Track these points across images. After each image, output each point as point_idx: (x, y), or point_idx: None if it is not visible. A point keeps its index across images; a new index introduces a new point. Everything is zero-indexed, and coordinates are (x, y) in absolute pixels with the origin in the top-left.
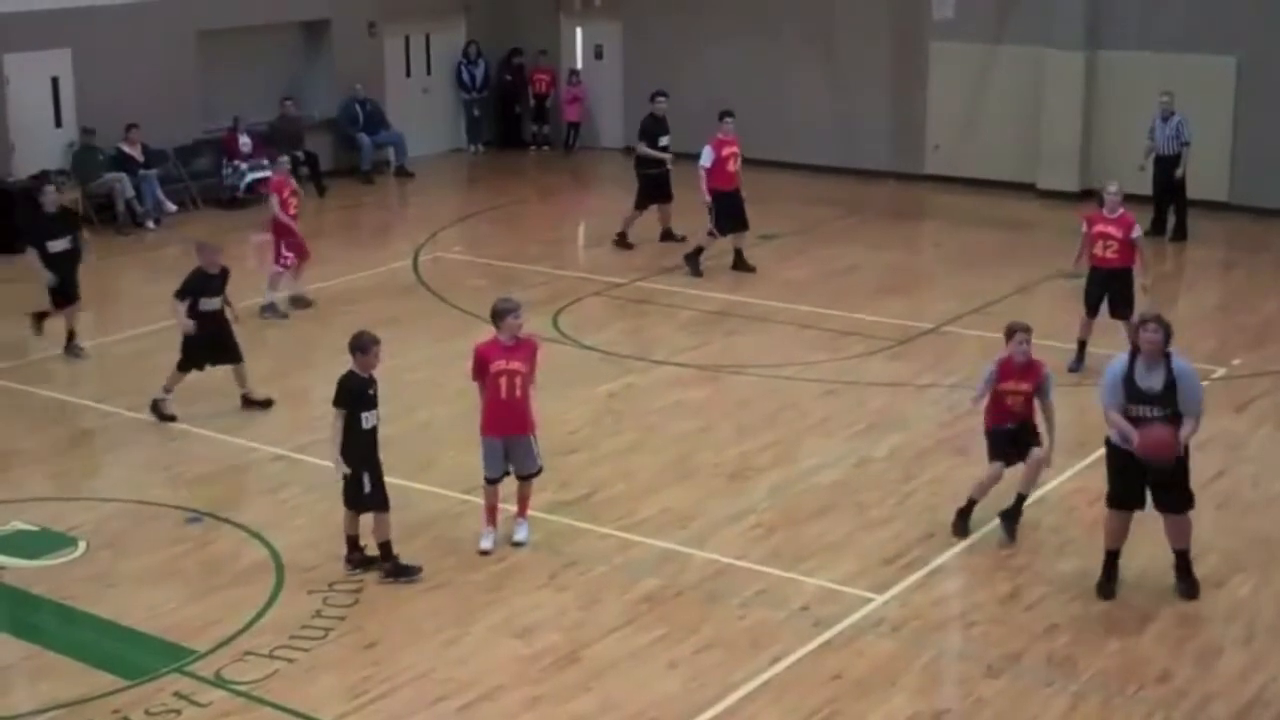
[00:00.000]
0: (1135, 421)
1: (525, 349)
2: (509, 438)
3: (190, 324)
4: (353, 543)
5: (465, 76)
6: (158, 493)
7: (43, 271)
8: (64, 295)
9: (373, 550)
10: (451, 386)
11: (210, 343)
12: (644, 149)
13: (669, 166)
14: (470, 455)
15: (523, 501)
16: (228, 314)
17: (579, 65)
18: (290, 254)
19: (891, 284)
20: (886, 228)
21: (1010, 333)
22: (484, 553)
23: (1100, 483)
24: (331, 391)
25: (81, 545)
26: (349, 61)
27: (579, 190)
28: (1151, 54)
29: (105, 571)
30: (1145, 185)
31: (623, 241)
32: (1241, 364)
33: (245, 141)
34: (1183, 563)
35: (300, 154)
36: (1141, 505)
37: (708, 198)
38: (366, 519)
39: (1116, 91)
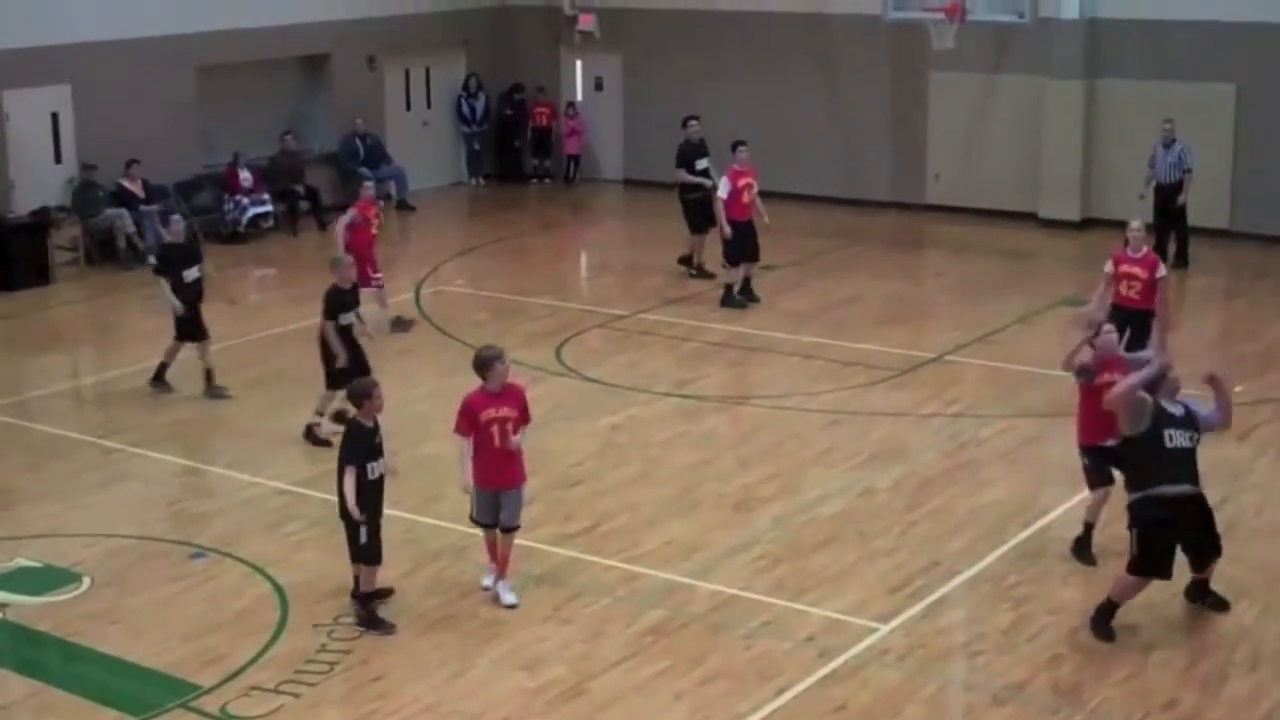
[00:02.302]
0: (1171, 453)
1: (513, 394)
2: (501, 490)
3: (338, 344)
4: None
5: (465, 110)
6: (161, 528)
7: (173, 301)
8: (191, 329)
9: (394, 601)
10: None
11: (352, 360)
12: (683, 175)
13: (709, 190)
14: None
15: (504, 561)
16: (357, 330)
17: (579, 98)
18: (379, 274)
19: (893, 314)
20: (888, 257)
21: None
22: (486, 588)
23: (1105, 512)
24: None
25: (85, 581)
26: (349, 96)
27: (580, 223)
28: (1151, 82)
29: (109, 607)
30: (1146, 213)
31: (699, 271)
32: (1244, 392)
33: (246, 176)
34: (1205, 585)
35: (300, 188)
36: (1170, 576)
37: (727, 230)
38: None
39: (1116, 120)
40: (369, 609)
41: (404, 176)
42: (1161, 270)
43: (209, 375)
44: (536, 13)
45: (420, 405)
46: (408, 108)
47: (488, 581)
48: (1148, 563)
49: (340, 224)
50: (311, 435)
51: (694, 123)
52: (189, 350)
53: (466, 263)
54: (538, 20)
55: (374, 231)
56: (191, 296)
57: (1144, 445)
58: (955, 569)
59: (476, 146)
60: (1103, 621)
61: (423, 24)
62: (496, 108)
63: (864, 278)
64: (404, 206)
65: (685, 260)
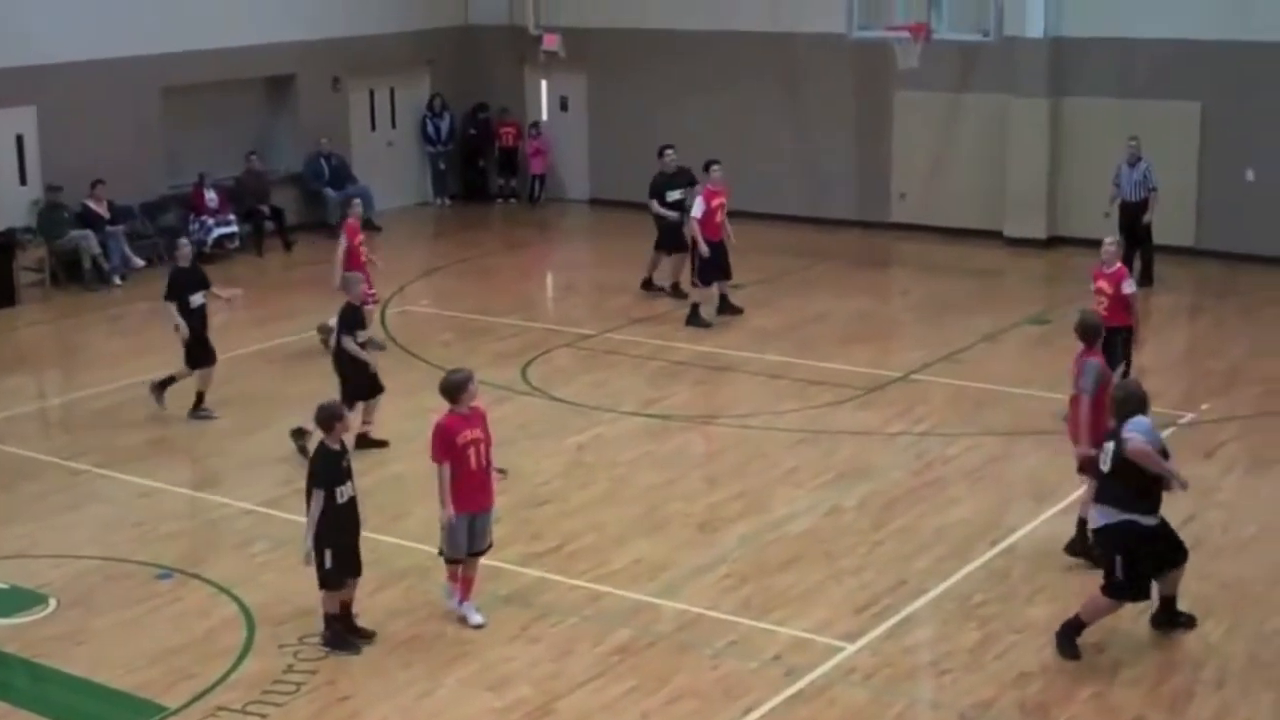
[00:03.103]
0: (1155, 480)
1: (479, 416)
2: (478, 514)
3: (364, 354)
4: (345, 610)
5: (430, 130)
6: (127, 549)
7: (182, 325)
8: (201, 353)
9: (361, 621)
10: (422, 439)
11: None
12: (655, 207)
13: (678, 219)
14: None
15: (469, 583)
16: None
17: (544, 118)
18: (374, 290)
19: (859, 333)
20: (853, 276)
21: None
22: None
23: (1070, 530)
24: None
25: (52, 602)
26: (314, 116)
27: (545, 243)
28: (1116, 100)
29: (76, 629)
30: (1112, 231)
31: (674, 290)
32: (1210, 409)
33: (211, 197)
34: (1173, 604)
35: (266, 209)
36: (1150, 596)
37: (704, 249)
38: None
39: (1081, 138)
40: (335, 629)
41: (369, 196)
42: (1128, 286)
43: (200, 397)
44: (501, 33)
45: (387, 425)
46: (372, 128)
47: (453, 604)
48: (1132, 586)
49: (339, 254)
50: (367, 440)
51: (669, 152)
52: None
53: (432, 283)
54: (502, 40)
55: (362, 250)
56: (197, 322)
57: (1141, 473)
58: (922, 588)
59: (441, 166)
60: (1069, 639)
61: (387, 44)
62: (461, 127)
63: (830, 296)
64: (369, 226)
65: (647, 284)
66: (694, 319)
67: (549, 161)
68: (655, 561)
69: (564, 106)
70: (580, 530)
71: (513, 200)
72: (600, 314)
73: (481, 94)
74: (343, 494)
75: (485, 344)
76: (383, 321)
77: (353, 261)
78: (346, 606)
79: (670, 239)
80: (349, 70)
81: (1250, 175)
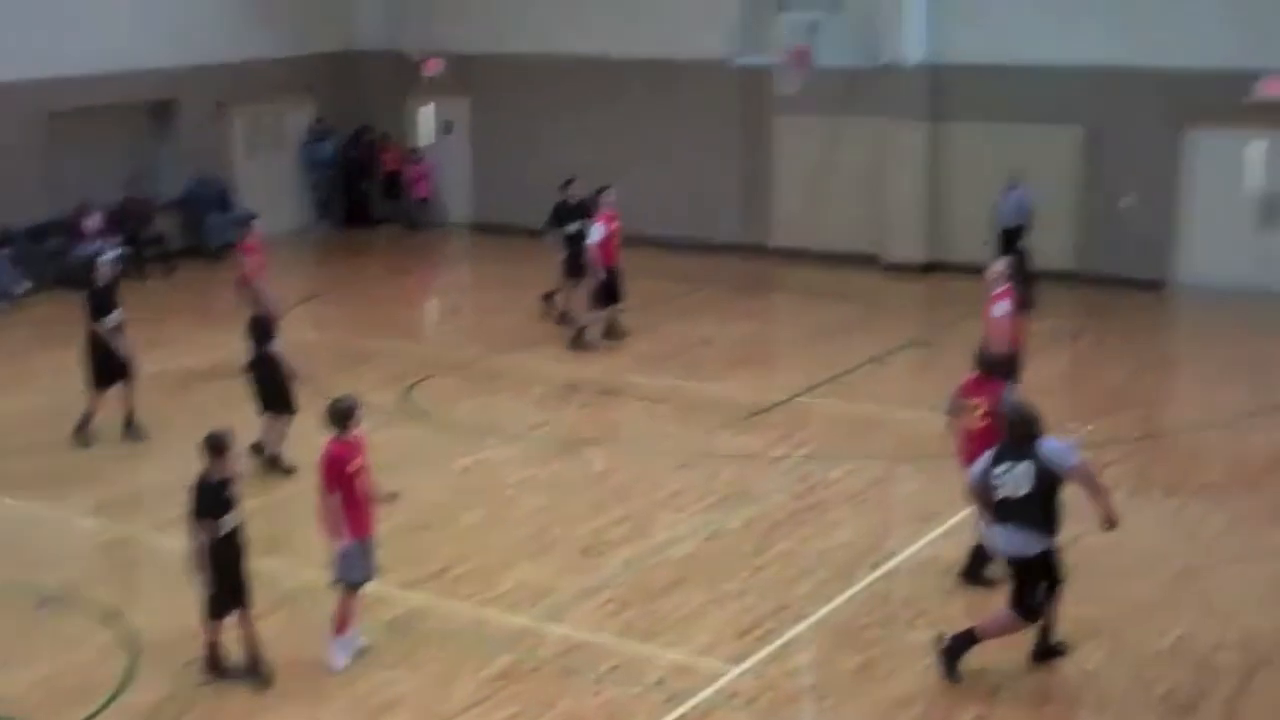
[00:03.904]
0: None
1: (361, 442)
2: (367, 540)
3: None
4: (211, 646)
5: (312, 155)
6: (8, 575)
7: (112, 346)
8: (114, 369)
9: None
10: (302, 463)
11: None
12: (549, 238)
13: (576, 248)
14: (320, 533)
15: (350, 617)
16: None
17: (428, 141)
18: None
19: (743, 356)
20: (736, 301)
21: None
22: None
23: (951, 554)
24: (185, 468)
25: None
26: (196, 141)
27: (428, 267)
28: (996, 125)
29: None
30: (991, 257)
31: (561, 318)
32: (1093, 431)
33: (94, 222)
34: (1050, 634)
35: (148, 234)
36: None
37: (603, 274)
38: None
39: (961, 163)
40: (218, 657)
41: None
42: (996, 308)
43: (130, 416)
44: (383, 58)
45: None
46: (255, 153)
47: (362, 641)
48: (1033, 607)
49: (258, 281)
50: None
51: (570, 185)
52: (89, 394)
53: (314, 308)
54: (385, 65)
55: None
56: (118, 344)
57: (1057, 495)
58: (804, 611)
59: (324, 192)
60: (954, 657)
61: (270, 70)
62: (343, 152)
63: (713, 321)
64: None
65: (548, 296)
66: (580, 342)
67: (432, 186)
68: (539, 586)
69: (448, 130)
70: (464, 555)
71: (396, 225)
72: (484, 338)
73: (364, 118)
74: (225, 525)
75: (369, 368)
76: None
77: (257, 276)
78: (250, 637)
79: (573, 266)
80: (232, 95)
81: (1129, 200)
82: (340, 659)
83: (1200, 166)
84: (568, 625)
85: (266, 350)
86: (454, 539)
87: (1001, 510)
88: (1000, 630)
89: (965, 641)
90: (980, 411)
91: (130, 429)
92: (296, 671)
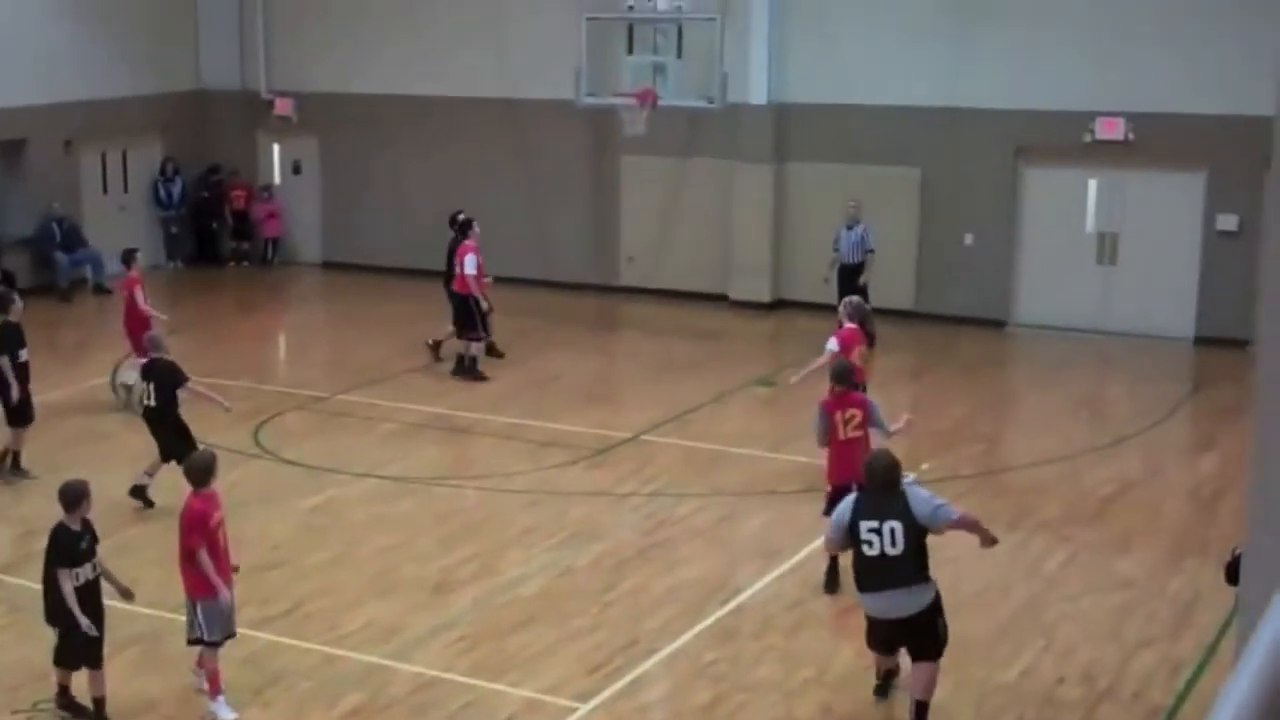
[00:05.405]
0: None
1: (218, 497)
2: (229, 594)
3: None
4: (62, 689)
5: (162, 194)
6: None
7: (13, 384)
8: (26, 412)
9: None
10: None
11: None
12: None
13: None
14: (171, 571)
15: (218, 674)
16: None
17: (276, 181)
18: None
19: (591, 394)
20: (584, 338)
21: None
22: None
23: (797, 589)
24: (39, 505)
25: None
26: (45, 179)
27: (279, 305)
28: (838, 165)
29: None
30: (831, 295)
31: (436, 350)
32: (931, 468)
33: None
34: (896, 674)
35: None
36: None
37: (485, 303)
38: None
39: (805, 202)
40: (69, 697)
41: (100, 260)
42: (830, 344)
43: (16, 457)
44: (233, 97)
45: (117, 491)
46: (105, 191)
47: (204, 692)
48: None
49: (134, 306)
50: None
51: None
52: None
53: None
54: (235, 105)
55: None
56: (24, 378)
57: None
58: (653, 647)
59: (174, 230)
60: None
61: (119, 108)
62: (193, 191)
63: (562, 359)
64: (100, 290)
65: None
66: (465, 370)
67: (282, 224)
68: (388, 624)
69: (296, 170)
70: (313, 593)
71: (245, 263)
72: (333, 376)
73: (214, 157)
74: (80, 576)
75: (217, 408)
76: (113, 386)
77: (138, 316)
78: (98, 700)
79: (465, 313)
80: (81, 134)
81: (969, 239)
82: (230, 715)
83: (1039, 205)
84: (418, 663)
85: (173, 396)
86: (303, 577)
87: (879, 572)
88: (934, 680)
89: (922, 715)
90: (856, 421)
91: (14, 470)
92: (145, 712)
